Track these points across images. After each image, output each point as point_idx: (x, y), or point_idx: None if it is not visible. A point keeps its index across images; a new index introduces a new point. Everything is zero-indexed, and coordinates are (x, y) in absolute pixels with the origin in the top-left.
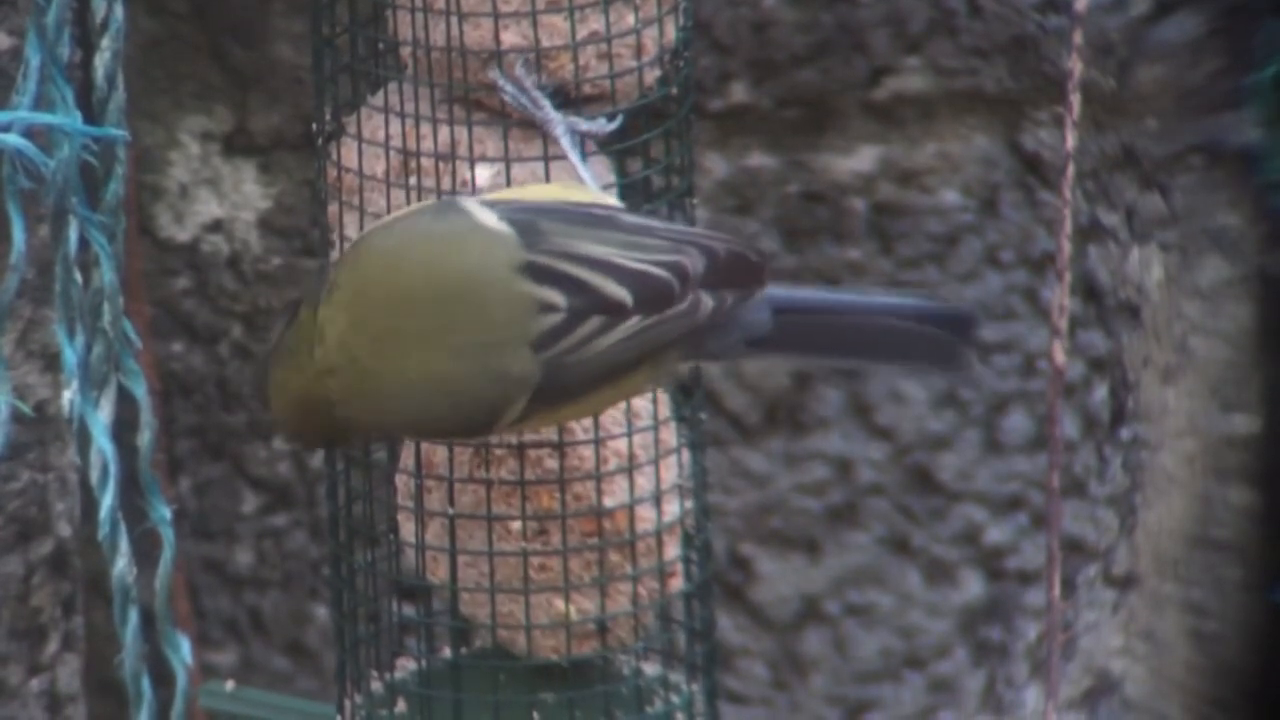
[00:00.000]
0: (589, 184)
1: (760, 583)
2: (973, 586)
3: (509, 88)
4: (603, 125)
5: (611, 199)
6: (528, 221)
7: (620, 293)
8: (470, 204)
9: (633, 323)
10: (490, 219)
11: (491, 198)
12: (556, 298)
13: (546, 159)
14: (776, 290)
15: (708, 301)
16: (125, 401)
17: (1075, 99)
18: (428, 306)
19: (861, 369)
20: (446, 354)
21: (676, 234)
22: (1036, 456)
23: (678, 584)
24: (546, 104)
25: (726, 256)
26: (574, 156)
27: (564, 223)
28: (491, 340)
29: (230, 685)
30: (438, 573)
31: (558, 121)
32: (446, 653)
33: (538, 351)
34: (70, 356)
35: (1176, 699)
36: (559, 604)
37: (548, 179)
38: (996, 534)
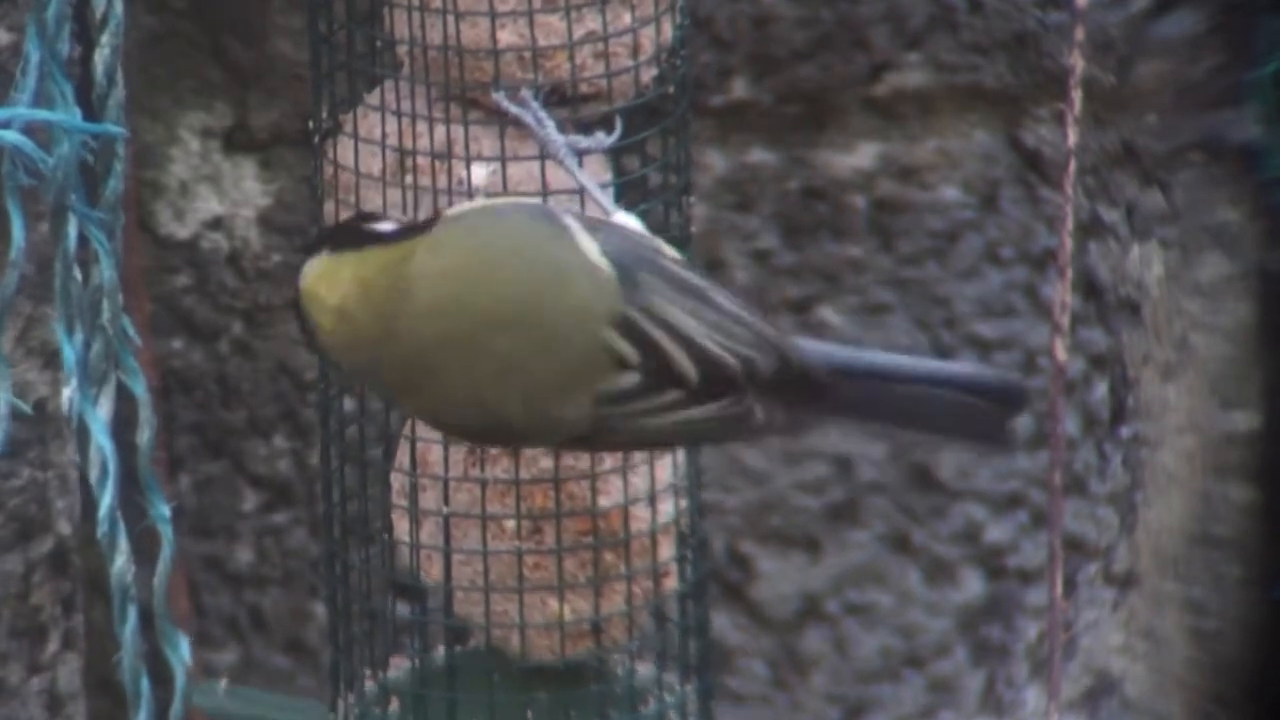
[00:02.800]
0: (607, 206)
1: (760, 581)
2: (973, 585)
3: (513, 108)
4: (601, 141)
5: (680, 255)
6: (628, 268)
7: (688, 368)
8: (571, 222)
9: (692, 413)
10: (593, 251)
11: (588, 218)
12: (632, 356)
13: (543, 158)
14: (829, 350)
15: (759, 414)
16: (125, 399)
17: (1076, 95)
18: (513, 329)
19: (909, 440)
20: (514, 381)
21: (760, 330)
22: (1037, 454)
23: (672, 584)
24: (551, 125)
25: (798, 366)
26: (583, 179)
27: (662, 281)
28: (559, 382)
29: (224, 684)
30: (432, 572)
31: (560, 144)
32: (441, 652)
33: (596, 405)
34: (69, 354)
35: (1177, 697)
36: (553, 604)
37: (544, 178)
38: (996, 532)
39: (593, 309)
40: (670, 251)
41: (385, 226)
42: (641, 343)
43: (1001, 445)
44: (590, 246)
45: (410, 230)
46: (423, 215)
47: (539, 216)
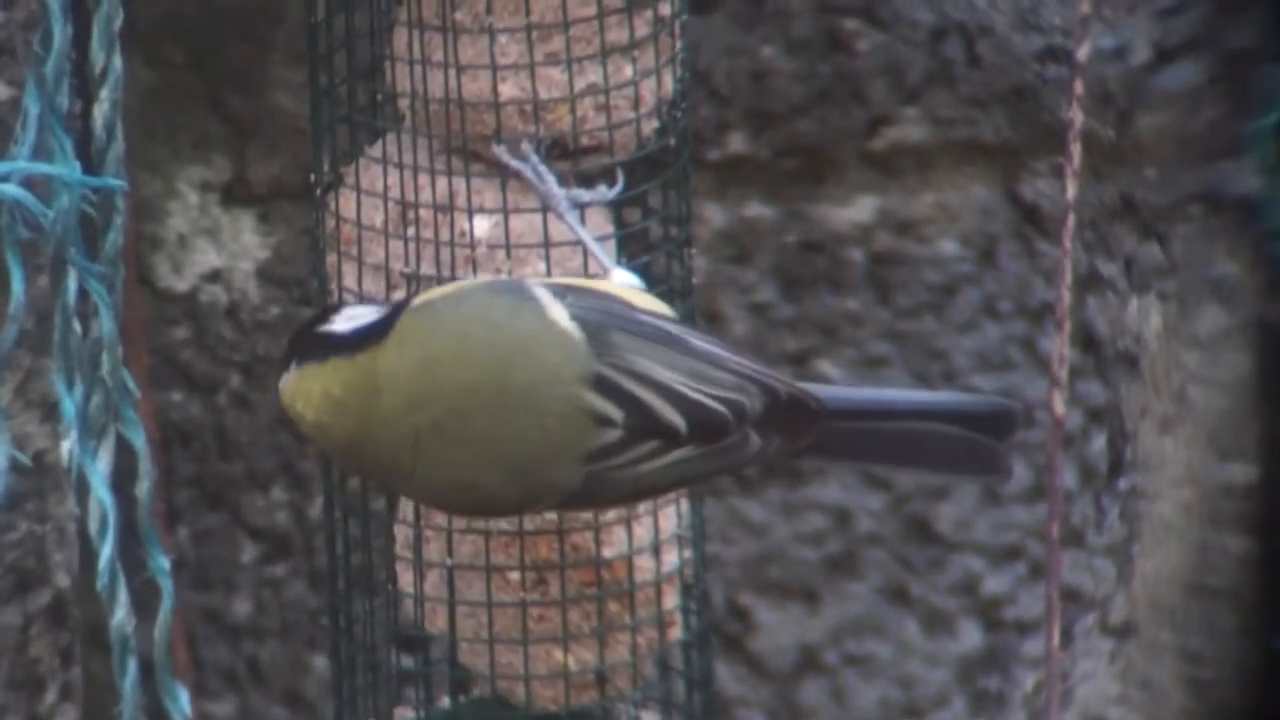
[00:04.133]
0: (606, 262)
1: (759, 632)
2: (971, 636)
3: (514, 163)
4: (604, 194)
5: (671, 311)
6: (598, 327)
7: (676, 420)
8: (541, 293)
9: (682, 452)
10: (562, 317)
11: (560, 284)
12: (615, 414)
13: (545, 211)
14: (823, 391)
15: (755, 441)
16: (124, 451)
17: (1075, 148)
18: (490, 408)
19: (905, 474)
20: (497, 458)
21: (742, 369)
22: (1035, 506)
23: (676, 634)
24: (551, 179)
25: (787, 400)
26: (583, 234)
27: (635, 337)
28: (543, 451)
29: None
30: (436, 623)
31: (561, 198)
32: (445, 702)
33: (585, 463)
34: (69, 406)
35: None
36: (558, 654)
37: (545, 231)
38: (994, 584)
39: (563, 374)
40: (646, 304)
41: (341, 327)
42: (620, 399)
43: (996, 474)
44: (559, 314)
45: (373, 327)
46: (426, 269)
47: (504, 292)
